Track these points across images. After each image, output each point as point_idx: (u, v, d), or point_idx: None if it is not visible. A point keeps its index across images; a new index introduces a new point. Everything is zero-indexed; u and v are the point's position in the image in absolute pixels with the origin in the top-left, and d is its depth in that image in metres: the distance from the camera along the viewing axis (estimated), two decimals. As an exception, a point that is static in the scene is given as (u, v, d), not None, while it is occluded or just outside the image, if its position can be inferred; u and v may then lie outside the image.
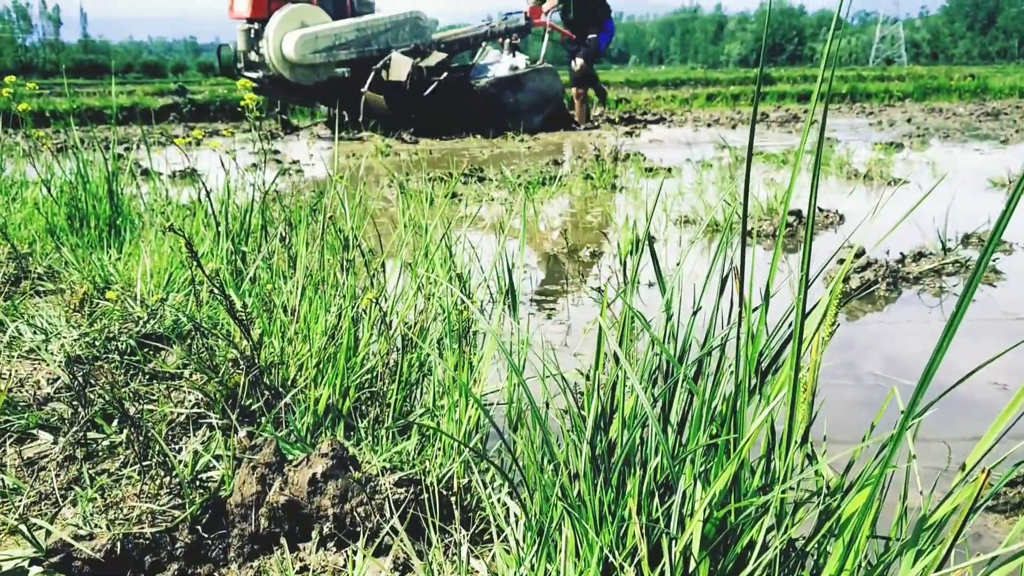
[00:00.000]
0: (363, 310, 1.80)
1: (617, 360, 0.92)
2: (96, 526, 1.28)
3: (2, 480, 1.43)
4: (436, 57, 10.28)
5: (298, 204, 2.80)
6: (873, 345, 2.65)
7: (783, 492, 0.80)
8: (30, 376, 1.85)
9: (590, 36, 11.56)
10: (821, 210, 4.69)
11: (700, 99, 18.92)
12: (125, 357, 1.87)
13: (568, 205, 5.41)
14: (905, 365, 2.49)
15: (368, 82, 9.93)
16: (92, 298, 2.39)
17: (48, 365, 1.89)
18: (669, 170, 6.89)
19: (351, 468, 1.27)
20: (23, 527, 1.24)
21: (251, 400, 1.64)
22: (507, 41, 11.36)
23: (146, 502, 1.30)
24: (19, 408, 1.68)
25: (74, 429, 1.47)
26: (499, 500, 1.16)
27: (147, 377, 1.78)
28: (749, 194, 0.89)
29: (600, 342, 0.95)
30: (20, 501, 1.38)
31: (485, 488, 1.44)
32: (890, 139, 9.64)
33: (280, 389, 1.64)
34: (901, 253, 3.56)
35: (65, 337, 1.98)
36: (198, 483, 1.38)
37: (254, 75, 10.31)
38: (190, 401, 1.69)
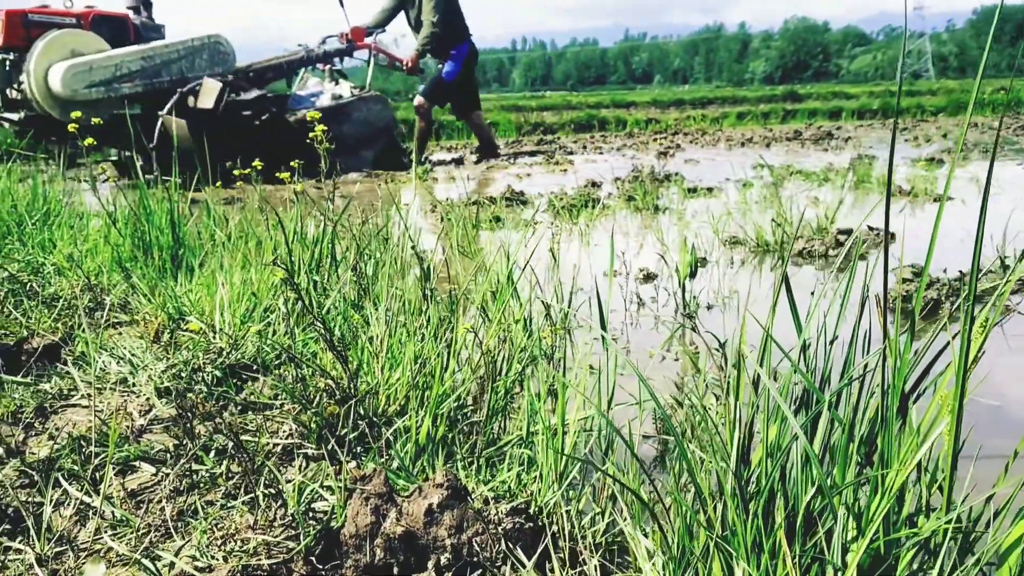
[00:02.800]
0: (447, 340, 1.82)
1: (756, 388, 0.93)
2: (213, 557, 1.29)
3: (112, 512, 1.45)
4: (255, 92, 8.89)
5: (359, 232, 2.83)
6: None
7: (948, 524, 0.80)
8: (122, 408, 1.88)
9: (437, 67, 10.33)
10: (871, 228, 4.66)
11: (730, 118, 18.92)
12: (213, 388, 1.90)
13: (614, 227, 5.42)
14: (980, 385, 2.46)
15: (169, 105, 8.33)
16: (167, 329, 2.42)
17: (138, 397, 1.92)
18: (710, 190, 6.88)
19: (466, 498, 1.28)
20: (146, 560, 1.26)
21: (346, 430, 1.66)
22: (328, 68, 10.01)
23: (260, 534, 1.32)
24: (117, 440, 1.70)
25: (182, 461, 1.50)
26: (630, 532, 1.16)
27: (239, 408, 1.81)
28: (889, 218, 0.89)
29: (740, 370, 0.95)
30: (132, 533, 1.40)
31: (575, 517, 1.45)
32: (928, 155, 9.58)
33: (374, 418, 1.66)
34: (959, 271, 3.53)
35: (151, 368, 2.01)
36: (310, 514, 1.39)
37: (14, 116, 8.54)
38: (284, 431, 1.71)
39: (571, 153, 11.83)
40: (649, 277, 3.83)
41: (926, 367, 0.91)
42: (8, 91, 8.53)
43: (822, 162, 9.10)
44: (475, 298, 2.12)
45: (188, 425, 1.53)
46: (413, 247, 2.04)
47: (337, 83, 9.82)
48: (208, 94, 8.52)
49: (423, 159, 10.37)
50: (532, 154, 11.61)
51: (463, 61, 10.20)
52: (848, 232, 4.41)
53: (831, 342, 0.96)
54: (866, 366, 0.92)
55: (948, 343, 0.82)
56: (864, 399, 0.91)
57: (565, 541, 1.25)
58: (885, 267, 0.85)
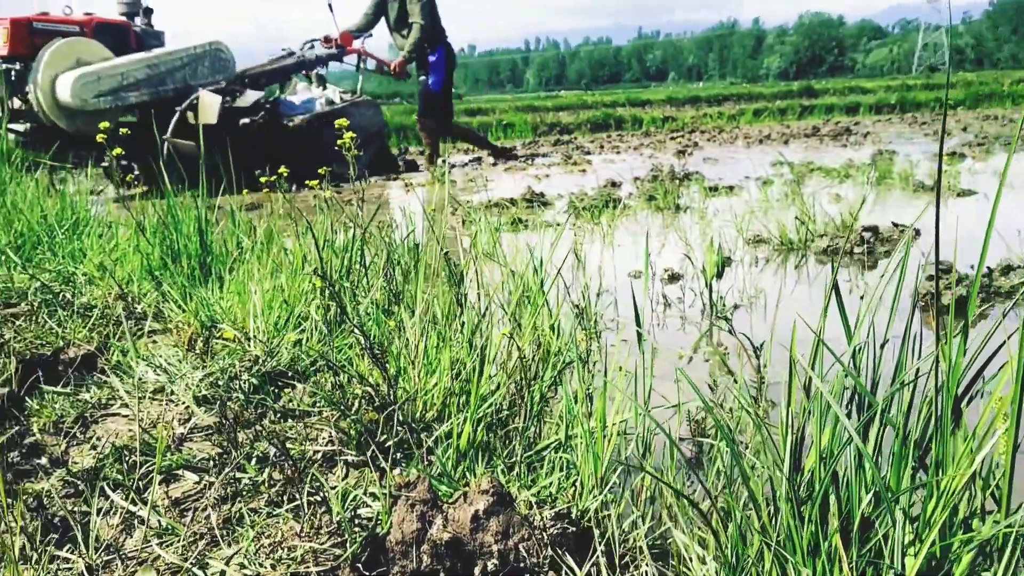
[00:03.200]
0: (481, 345, 1.82)
1: (808, 393, 0.93)
2: (261, 565, 1.31)
3: (158, 520, 1.47)
4: (251, 96, 8.71)
5: (388, 237, 2.84)
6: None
7: (1008, 528, 0.80)
8: (161, 417, 1.90)
9: (420, 79, 10.06)
10: (895, 225, 4.64)
11: (747, 115, 18.86)
12: (250, 396, 1.91)
13: (637, 227, 5.42)
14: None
15: (171, 126, 8.10)
16: (201, 337, 2.44)
17: (176, 406, 1.94)
18: (731, 188, 6.87)
19: (511, 504, 1.29)
20: (196, 568, 1.27)
21: (385, 436, 1.67)
22: (314, 72, 9.74)
23: (307, 541, 1.33)
24: (158, 449, 1.72)
25: (227, 470, 1.51)
26: (684, 540, 1.16)
27: (278, 415, 1.82)
28: (940, 217, 0.89)
29: (792, 376, 0.96)
30: (179, 541, 1.41)
31: (616, 521, 1.45)
32: (949, 149, 9.52)
33: (412, 424, 1.67)
34: (988, 267, 3.51)
35: (189, 377, 2.03)
36: (355, 521, 1.41)
37: (19, 128, 8.14)
38: (323, 438, 1.72)
39: (588, 153, 11.82)
40: (674, 277, 3.83)
41: (979, 369, 0.91)
42: (12, 101, 8.03)
43: (842, 158, 9.06)
44: (503, 303, 2.13)
45: (232, 434, 1.54)
46: (446, 253, 2.05)
47: (324, 88, 9.62)
48: (209, 110, 8.36)
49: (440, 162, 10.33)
50: (550, 155, 11.62)
51: (445, 67, 10.03)
52: (873, 229, 4.39)
53: (882, 345, 0.96)
54: (918, 370, 0.92)
55: (1004, 343, 0.82)
56: (917, 403, 0.91)
57: (615, 545, 1.26)
58: (936, 269, 0.85)
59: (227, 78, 9.02)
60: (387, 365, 1.61)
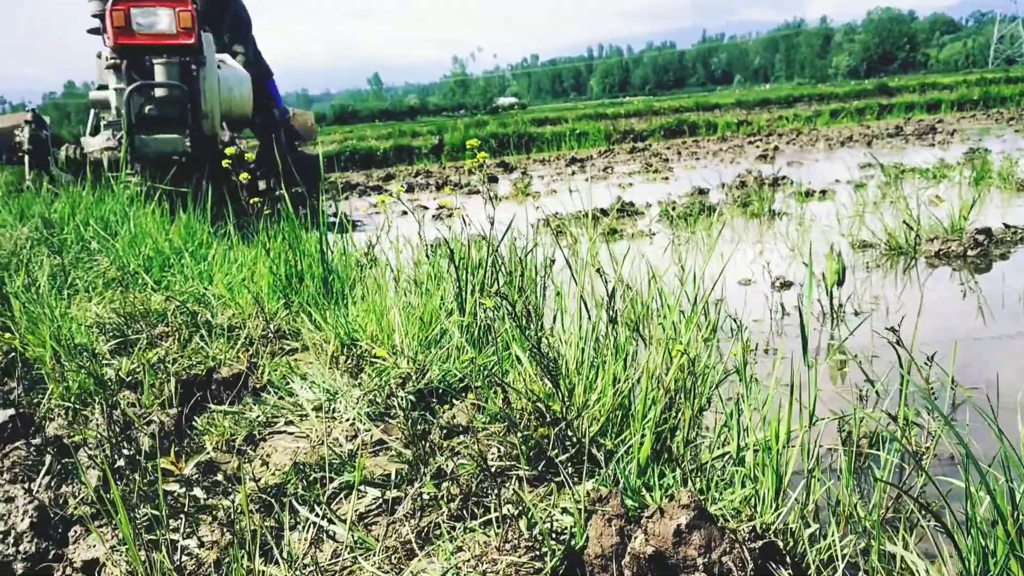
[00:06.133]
0: (645, 361, 1.85)
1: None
2: (464, 579, 1.35)
3: (350, 536, 1.53)
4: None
5: (513, 256, 2.89)
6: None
7: None
8: (327, 434, 1.97)
9: None
10: (1007, 226, 4.54)
11: (824, 116, 18.55)
12: (408, 413, 1.97)
13: (732, 234, 5.38)
14: None
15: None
16: (342, 354, 2.52)
17: (340, 423, 2.01)
18: (824, 193, 6.78)
19: (711, 518, 1.32)
20: (408, 582, 1.32)
21: (556, 451, 1.71)
22: None
23: (507, 555, 1.37)
24: (334, 466, 1.79)
25: (417, 485, 1.57)
26: (911, 558, 1.17)
27: (443, 432, 1.87)
28: None
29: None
30: (375, 556, 1.47)
31: (799, 531, 1.46)
32: (1043, 145, 9.25)
33: (583, 439, 1.71)
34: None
35: (347, 395, 2.10)
36: (552, 536, 1.44)
37: (167, 139, 5.75)
38: (493, 454, 1.77)
39: (667, 160, 11.77)
40: (785, 284, 3.80)
41: None
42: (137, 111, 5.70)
43: (932, 158, 8.86)
44: (642, 315, 2.16)
45: (420, 450, 1.60)
46: (598, 270, 2.09)
47: None
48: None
49: None
50: (628, 163, 11.62)
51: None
52: (986, 231, 4.30)
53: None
54: None
55: None
56: None
57: (839, 558, 1.28)
58: None
59: None
60: (559, 382, 1.64)
